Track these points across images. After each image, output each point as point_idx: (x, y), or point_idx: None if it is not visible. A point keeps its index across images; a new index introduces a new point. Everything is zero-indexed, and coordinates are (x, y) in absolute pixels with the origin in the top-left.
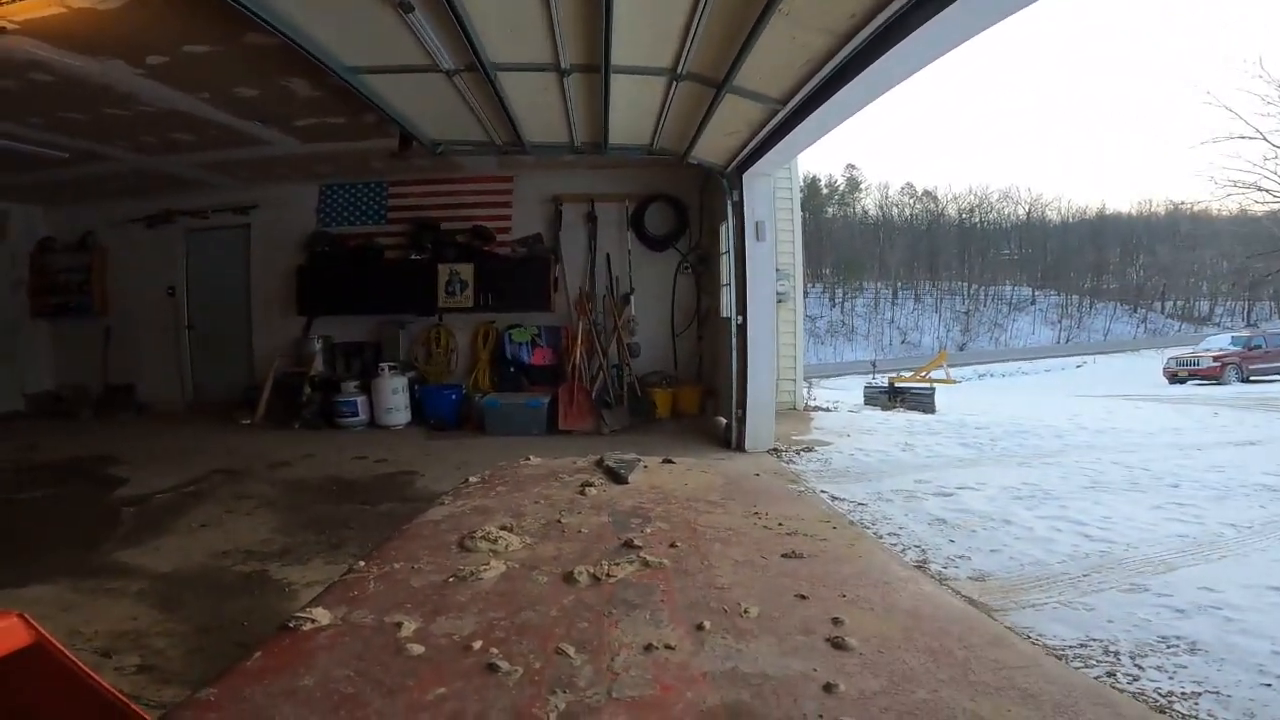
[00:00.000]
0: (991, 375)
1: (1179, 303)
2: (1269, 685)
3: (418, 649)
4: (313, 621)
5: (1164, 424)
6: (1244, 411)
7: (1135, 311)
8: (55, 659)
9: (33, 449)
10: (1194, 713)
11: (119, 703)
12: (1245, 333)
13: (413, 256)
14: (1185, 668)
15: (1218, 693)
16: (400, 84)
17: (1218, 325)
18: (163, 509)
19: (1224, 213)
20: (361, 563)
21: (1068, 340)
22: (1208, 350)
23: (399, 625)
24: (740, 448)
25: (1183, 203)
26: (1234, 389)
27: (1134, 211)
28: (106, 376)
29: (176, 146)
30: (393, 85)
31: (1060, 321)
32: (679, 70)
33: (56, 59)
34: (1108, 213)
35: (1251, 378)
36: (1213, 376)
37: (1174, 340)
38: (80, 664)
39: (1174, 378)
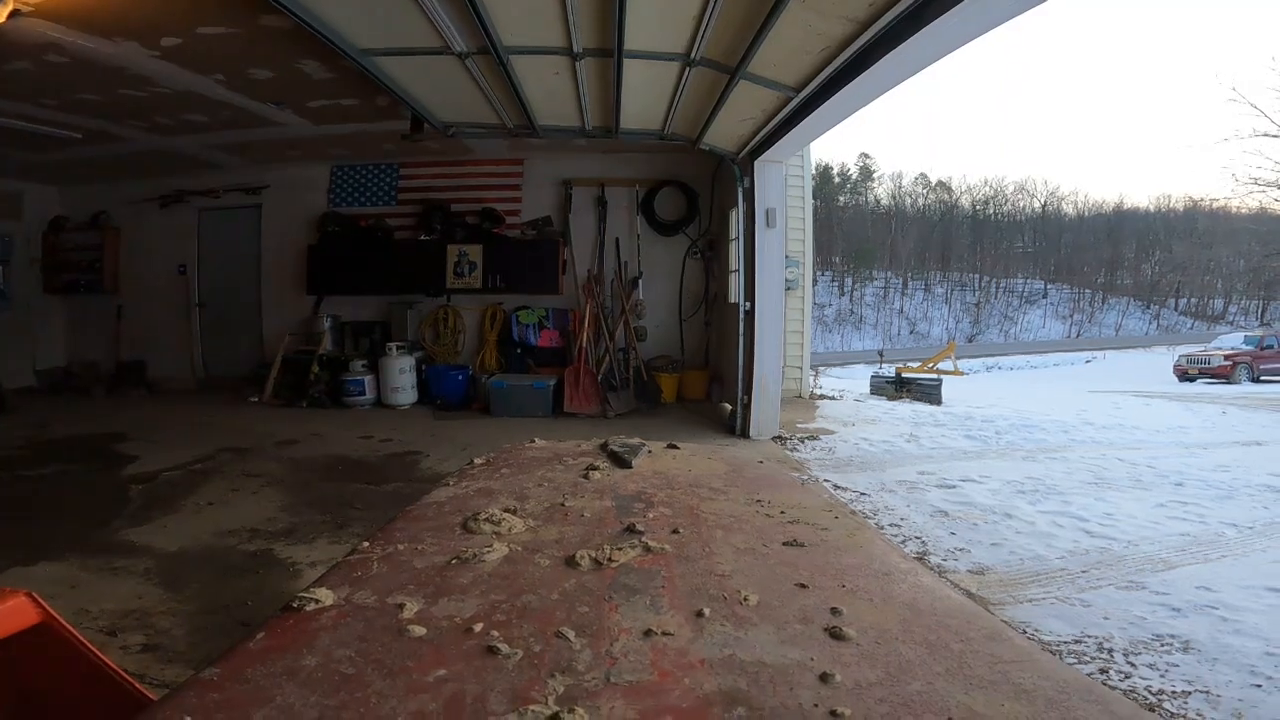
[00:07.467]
0: (1000, 368)
1: (1193, 300)
2: (1259, 686)
3: (419, 630)
4: (316, 602)
5: (1172, 421)
6: (1252, 411)
7: (1148, 308)
8: (62, 637)
9: (44, 425)
10: (1183, 711)
11: (124, 681)
12: (1258, 332)
13: (422, 237)
14: (1177, 666)
15: (1208, 692)
16: (412, 66)
17: (1231, 324)
18: (171, 487)
19: (1243, 210)
20: (365, 543)
21: (1078, 335)
22: (1219, 349)
23: (401, 606)
24: (745, 434)
25: (1202, 199)
26: (1244, 388)
27: (1152, 207)
28: (118, 354)
29: (190, 127)
30: (405, 67)
31: (1072, 316)
32: (692, 56)
33: (71, 40)
34: (1125, 208)
35: (1262, 378)
36: (1223, 375)
37: (1186, 338)
38: (86, 643)
39: (1184, 375)
